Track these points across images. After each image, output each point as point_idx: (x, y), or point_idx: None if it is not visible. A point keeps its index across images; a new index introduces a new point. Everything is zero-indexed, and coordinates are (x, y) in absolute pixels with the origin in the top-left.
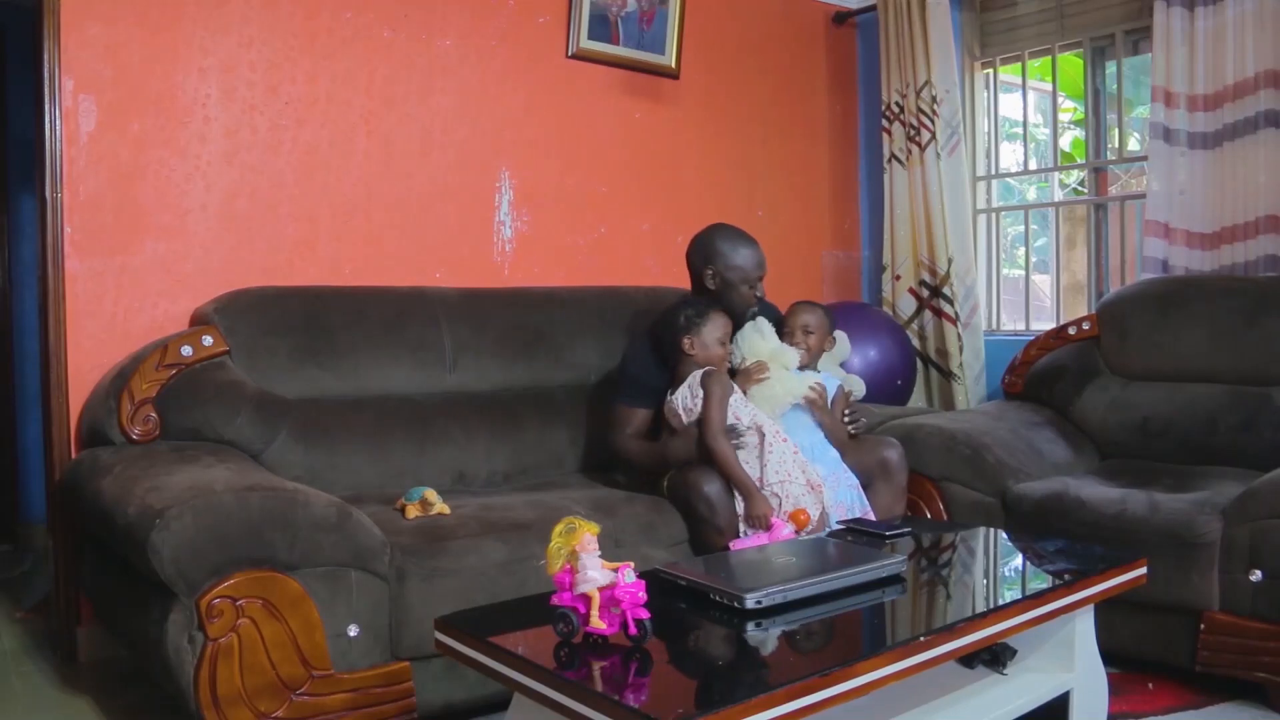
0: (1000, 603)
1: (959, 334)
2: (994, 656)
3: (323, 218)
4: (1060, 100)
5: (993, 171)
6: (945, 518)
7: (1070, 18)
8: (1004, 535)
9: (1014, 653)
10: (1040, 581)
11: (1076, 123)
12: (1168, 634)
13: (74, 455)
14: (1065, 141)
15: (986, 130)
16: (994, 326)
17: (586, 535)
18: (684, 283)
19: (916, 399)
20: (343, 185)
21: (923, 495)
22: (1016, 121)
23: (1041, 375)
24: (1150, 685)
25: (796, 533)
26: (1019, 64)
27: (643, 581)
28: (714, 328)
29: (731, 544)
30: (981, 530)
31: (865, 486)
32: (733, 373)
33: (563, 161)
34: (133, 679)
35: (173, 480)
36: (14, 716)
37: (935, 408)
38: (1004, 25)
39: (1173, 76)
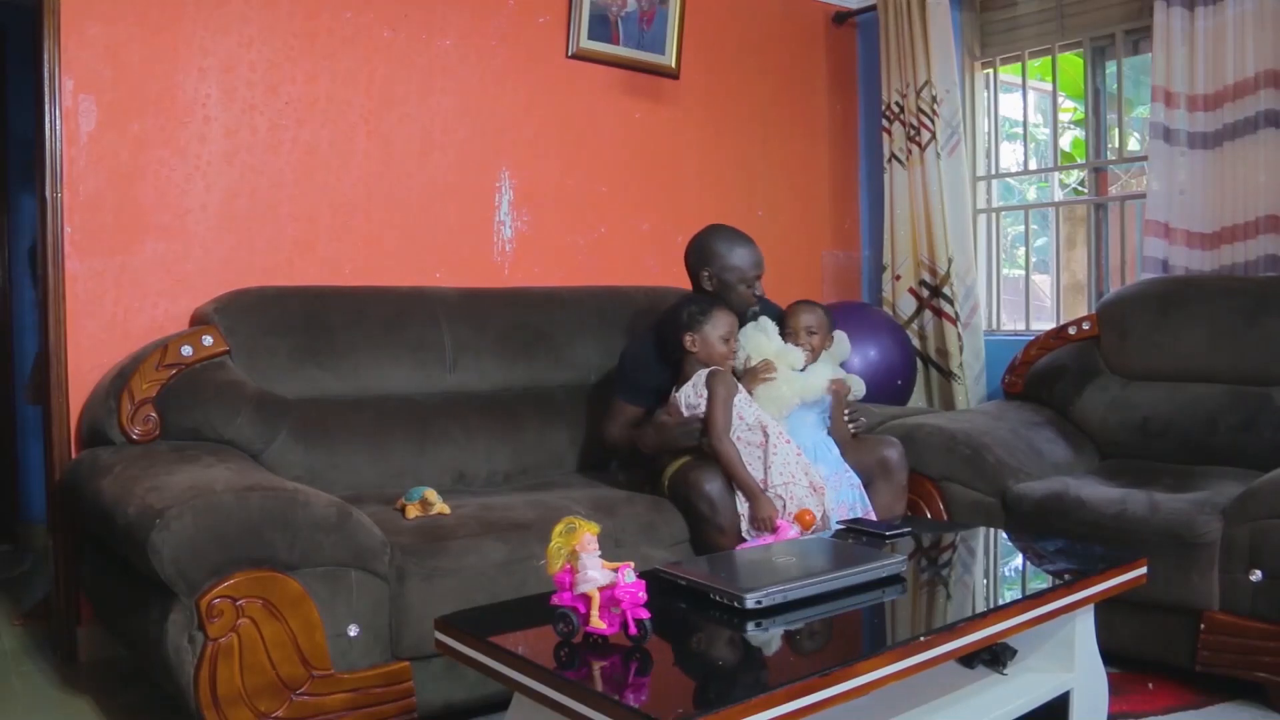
0: (1000, 603)
1: (959, 334)
2: (994, 656)
3: (323, 218)
4: (1060, 100)
5: (993, 171)
6: (945, 518)
7: (1070, 17)
8: (1004, 535)
9: (1014, 653)
10: (1040, 581)
11: (1076, 123)
12: (1168, 634)
13: (74, 455)
14: (1065, 141)
15: (986, 130)
16: (994, 326)
17: (586, 535)
18: (684, 282)
19: (916, 399)
20: (342, 185)
21: (923, 495)
22: (1016, 121)
23: (1041, 375)
24: (1150, 685)
25: (802, 534)
26: (1019, 64)
27: (643, 581)
28: (717, 325)
29: (738, 548)
30: (981, 530)
31: (865, 486)
32: (737, 373)
33: (563, 161)
34: (133, 679)
35: (173, 480)
36: (14, 716)
37: (935, 408)
38: (1004, 25)
39: (1173, 76)
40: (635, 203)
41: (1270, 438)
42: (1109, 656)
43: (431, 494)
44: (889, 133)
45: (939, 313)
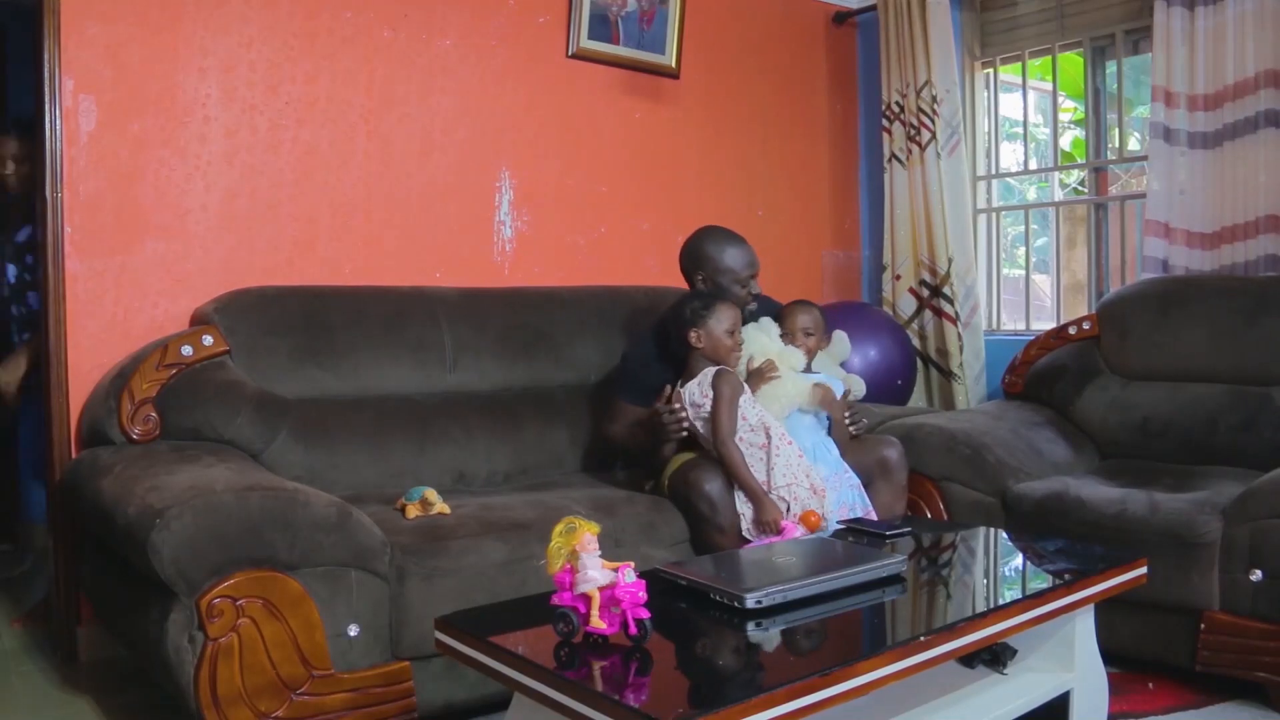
0: (1000, 602)
1: (959, 334)
2: (994, 656)
3: (323, 218)
4: (1060, 100)
5: (993, 171)
6: (945, 517)
7: (1070, 17)
8: (1004, 535)
9: (1014, 652)
10: (1040, 581)
11: (1077, 122)
12: (1168, 634)
13: (74, 455)
14: (1065, 141)
15: (986, 130)
16: (994, 326)
17: (587, 535)
18: (683, 282)
19: (916, 399)
20: (342, 185)
21: (923, 495)
22: (1017, 121)
23: (1042, 375)
24: (1150, 685)
25: (808, 535)
26: (1019, 64)
27: (643, 581)
28: (721, 319)
29: (742, 549)
30: (981, 530)
31: (865, 486)
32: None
33: (563, 161)
34: (133, 679)
35: (173, 480)
36: (14, 716)
37: (935, 407)
38: (1004, 25)
39: (1173, 76)
40: (635, 203)
41: (1270, 438)
42: (1109, 656)
43: (431, 494)
44: (889, 132)
45: (939, 312)
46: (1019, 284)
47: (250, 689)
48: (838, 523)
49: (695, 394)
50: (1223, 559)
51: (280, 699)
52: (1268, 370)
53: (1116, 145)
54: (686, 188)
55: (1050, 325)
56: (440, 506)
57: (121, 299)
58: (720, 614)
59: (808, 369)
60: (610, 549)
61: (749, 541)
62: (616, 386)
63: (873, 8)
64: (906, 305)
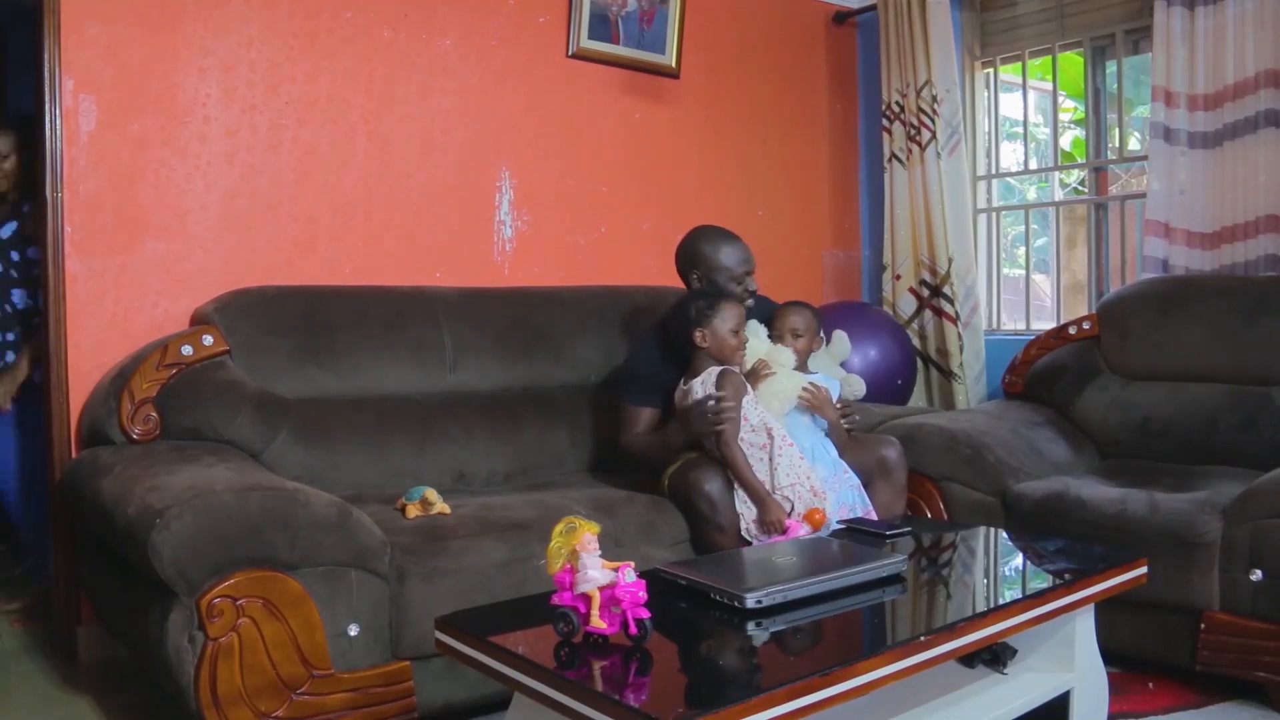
0: (1000, 602)
1: (959, 333)
2: (994, 656)
3: (323, 218)
4: (1060, 100)
5: (993, 171)
6: (945, 517)
7: (1070, 17)
8: (1004, 535)
9: (1014, 652)
10: (1040, 581)
11: (1077, 122)
12: (1168, 634)
13: (74, 455)
14: (1065, 141)
15: (987, 130)
16: (994, 326)
17: (587, 535)
18: (682, 282)
19: (917, 399)
20: (343, 185)
21: (923, 495)
22: (1017, 121)
23: (1042, 375)
24: (1150, 685)
25: (813, 533)
26: (1019, 63)
27: (643, 581)
28: (725, 318)
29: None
30: (982, 530)
31: (865, 485)
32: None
33: (563, 161)
34: (133, 679)
35: (173, 480)
36: (14, 716)
37: (935, 407)
38: (1004, 25)
39: (1173, 76)
40: (635, 202)
41: (1270, 438)
42: (1109, 656)
43: (431, 494)
44: (889, 132)
45: (939, 312)
46: (1019, 284)
47: (250, 689)
48: (838, 523)
49: (698, 393)
50: (1223, 559)
51: (280, 699)
52: (1268, 370)
53: (1116, 145)
54: (686, 188)
55: (1050, 325)
56: (440, 506)
57: (121, 299)
58: (720, 614)
59: (803, 369)
60: (610, 549)
61: (749, 542)
62: (623, 392)
63: (873, 7)
64: (906, 305)
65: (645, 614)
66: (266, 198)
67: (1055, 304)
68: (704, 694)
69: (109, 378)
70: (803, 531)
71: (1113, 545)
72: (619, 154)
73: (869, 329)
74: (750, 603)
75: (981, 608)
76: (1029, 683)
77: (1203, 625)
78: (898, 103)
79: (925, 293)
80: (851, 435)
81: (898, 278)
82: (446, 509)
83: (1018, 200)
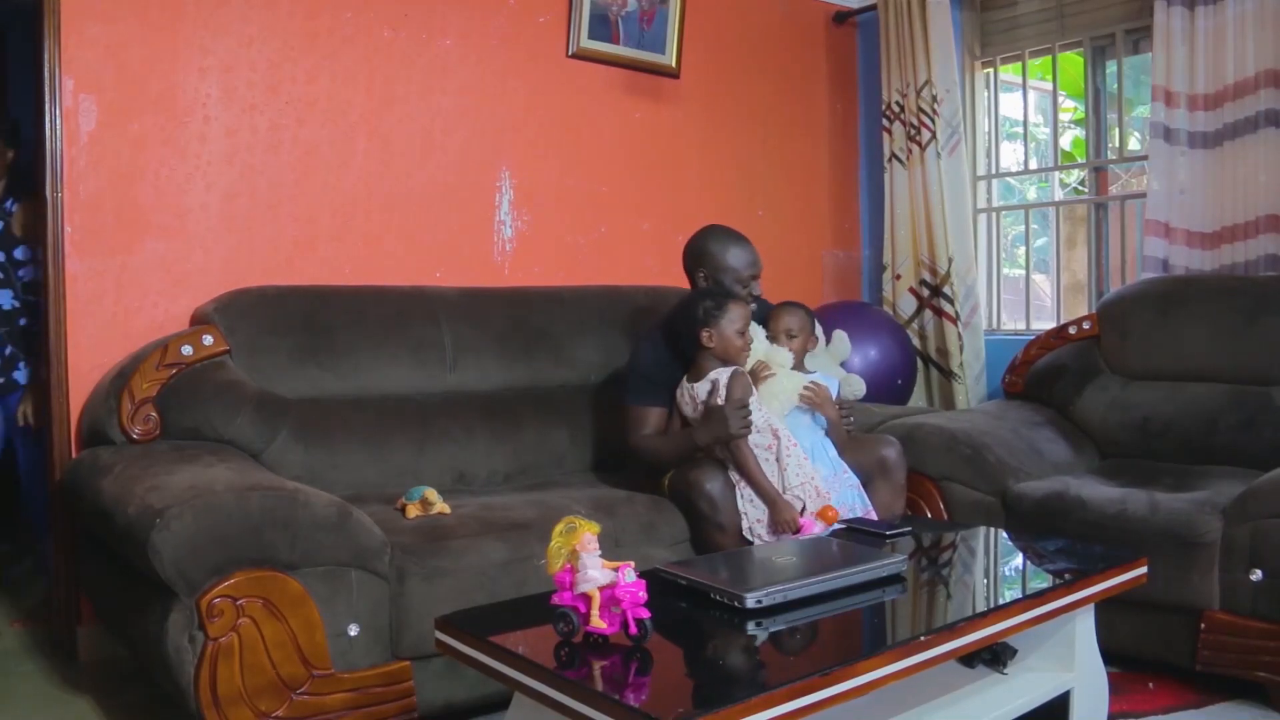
0: (1000, 602)
1: (959, 333)
2: (994, 656)
3: (323, 218)
4: (1060, 99)
5: (993, 171)
6: (945, 517)
7: (1070, 17)
8: (1004, 535)
9: (1014, 652)
10: (1040, 581)
11: (1077, 122)
12: (1168, 633)
13: (74, 455)
14: (1065, 141)
15: (987, 130)
16: (994, 326)
17: (587, 535)
18: (684, 281)
19: (917, 398)
20: (343, 185)
21: (923, 495)
22: (1017, 121)
23: (1042, 375)
24: (1150, 685)
25: (827, 528)
26: (1019, 63)
27: (643, 581)
28: (732, 319)
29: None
30: (982, 530)
31: (864, 485)
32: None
33: (563, 161)
34: (133, 679)
35: (173, 480)
36: (14, 716)
37: (935, 407)
38: (1004, 25)
39: (1173, 76)
40: (635, 202)
41: (1270, 438)
42: (1109, 656)
43: (432, 494)
44: (889, 132)
45: (939, 312)
46: (1019, 284)
47: (250, 689)
48: (838, 522)
49: (702, 393)
50: (1223, 559)
51: (280, 699)
52: (1268, 370)
53: (1116, 145)
54: (686, 188)
55: (1050, 325)
56: (440, 506)
57: (121, 299)
58: (720, 614)
59: (800, 368)
60: (610, 549)
61: (750, 541)
62: (628, 392)
63: (873, 7)
64: (907, 305)
65: (645, 614)
66: (266, 198)
67: (1055, 304)
68: (704, 694)
69: (109, 378)
70: (817, 529)
71: (1113, 545)
72: (619, 154)
73: (869, 329)
74: (750, 603)
75: (981, 608)
76: (1029, 683)
77: (1203, 625)
78: (898, 103)
79: (925, 293)
80: (850, 435)
81: (898, 278)
82: (446, 509)
83: (1018, 200)
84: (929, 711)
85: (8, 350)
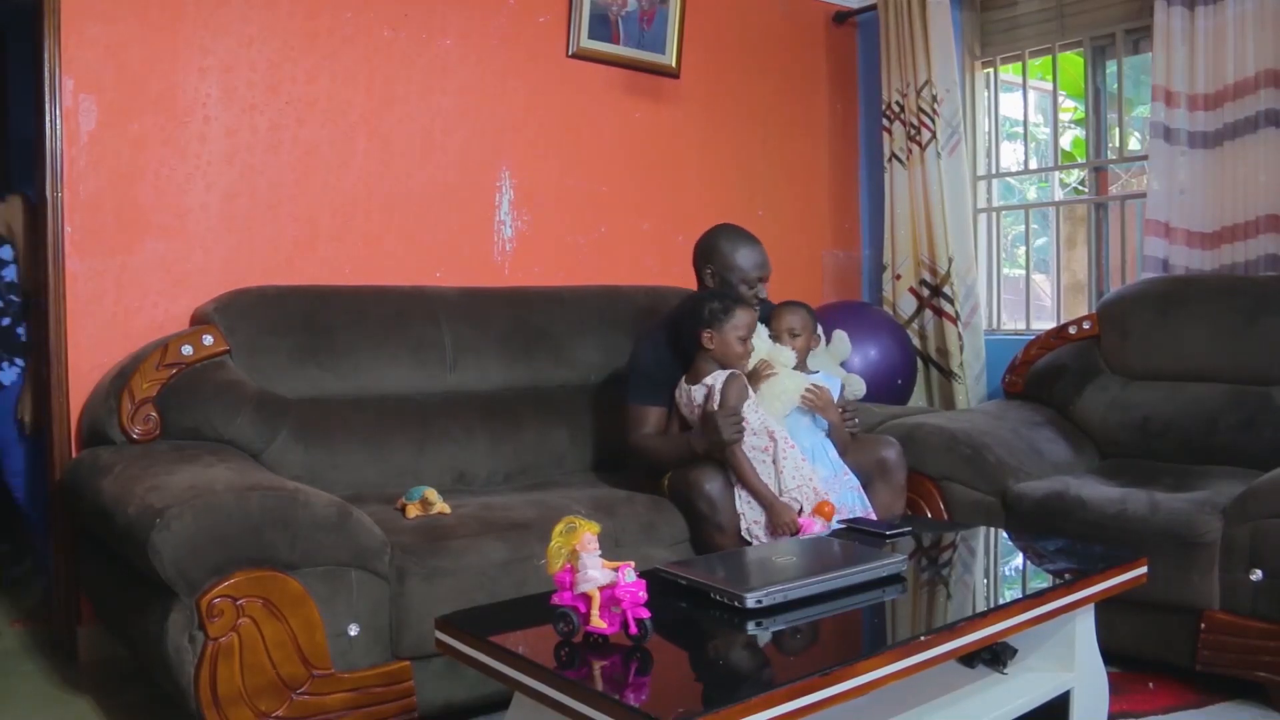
0: (1001, 602)
1: (959, 333)
2: (994, 656)
3: (323, 218)
4: (1061, 99)
5: (993, 171)
6: (945, 517)
7: (1070, 17)
8: (1004, 535)
9: (1014, 652)
10: (1040, 581)
11: (1077, 122)
12: (1168, 633)
13: (74, 454)
14: (1066, 141)
15: (987, 129)
16: (994, 326)
17: (587, 534)
18: (685, 281)
19: (917, 398)
20: (343, 185)
21: (923, 495)
22: (1017, 121)
23: (1042, 375)
24: (1150, 685)
25: (826, 526)
26: (1019, 63)
27: (643, 581)
28: (735, 325)
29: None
30: (982, 530)
31: (864, 486)
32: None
33: (563, 161)
34: (133, 679)
35: (173, 480)
36: (14, 716)
37: (935, 407)
38: (1004, 24)
39: (1173, 76)
40: (635, 202)
41: (1270, 438)
42: (1109, 656)
43: (432, 493)
44: (889, 132)
45: (939, 312)
46: (1019, 284)
47: (250, 689)
48: (838, 523)
49: (699, 396)
50: (1223, 559)
51: (280, 699)
52: (1268, 370)
53: (1117, 145)
54: (686, 188)
55: (1050, 325)
56: (440, 506)
57: (121, 299)
58: (720, 614)
59: (802, 367)
60: (610, 549)
61: (749, 542)
62: (630, 390)
63: (873, 7)
64: (907, 305)
65: (645, 614)
66: (266, 198)
67: (1055, 304)
68: (704, 694)
69: (109, 377)
70: (817, 528)
71: (1113, 545)
72: (619, 154)
73: (869, 329)
74: (750, 602)
75: (981, 607)
76: (1029, 683)
77: (1203, 625)
78: (898, 102)
79: (925, 292)
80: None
81: (898, 277)
82: (447, 509)
83: (1018, 200)
84: (929, 711)
85: None
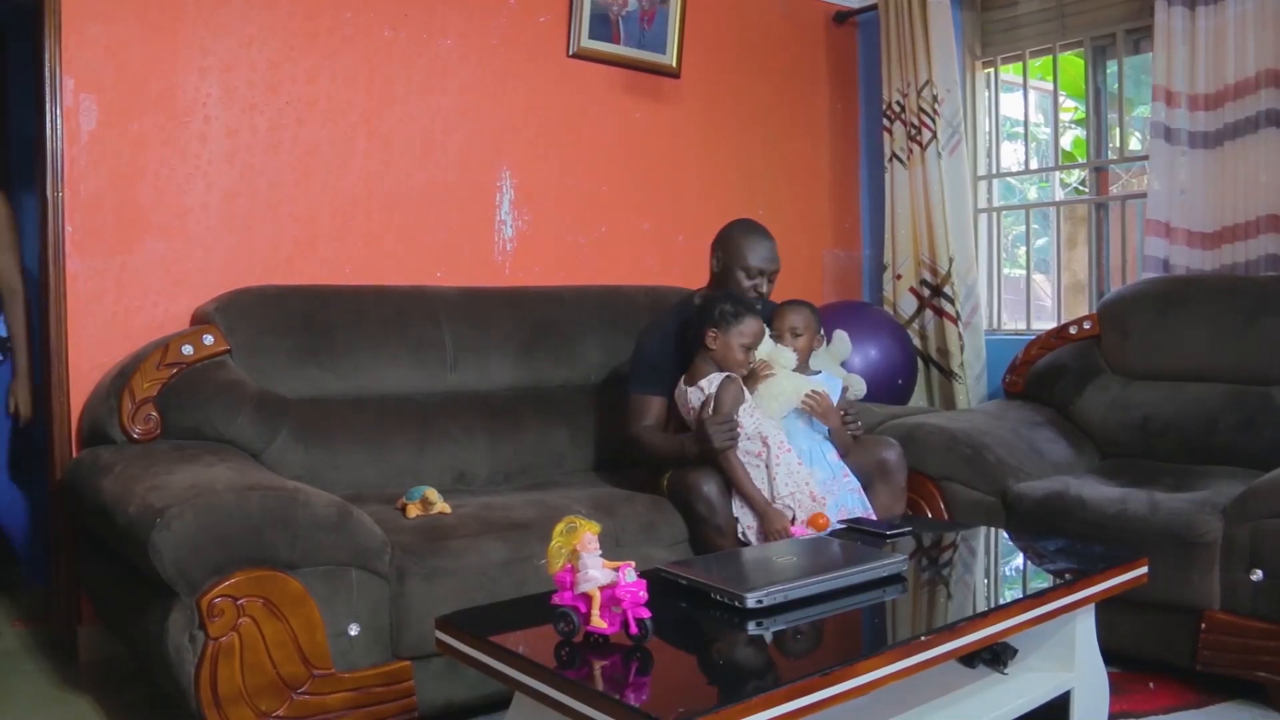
0: (1001, 602)
1: (960, 333)
2: (995, 656)
3: (323, 218)
4: (1061, 99)
5: (994, 171)
6: (946, 517)
7: (1071, 17)
8: (1004, 535)
9: (1015, 652)
10: (1041, 581)
11: (1077, 122)
12: (1168, 633)
13: (75, 454)
14: (1066, 141)
15: (987, 129)
16: (995, 326)
17: (587, 534)
18: (685, 281)
19: (917, 398)
20: (343, 185)
21: (923, 495)
22: (1017, 121)
23: (1042, 375)
24: (1151, 685)
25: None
26: (1020, 63)
27: (643, 581)
28: (742, 332)
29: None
30: (982, 530)
31: (864, 487)
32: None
33: (563, 161)
34: (133, 679)
35: (173, 479)
36: (14, 716)
37: (936, 407)
38: (1005, 24)
39: (1173, 76)
40: (636, 202)
41: (1270, 438)
42: (1109, 656)
43: (432, 493)
44: (890, 132)
45: (940, 312)
46: (1019, 284)
47: (251, 688)
48: (838, 522)
49: (695, 400)
50: (1223, 559)
51: (281, 698)
52: (1268, 370)
53: (1117, 145)
54: (687, 188)
55: (1051, 325)
56: (441, 506)
57: (121, 299)
58: (721, 614)
59: (804, 367)
60: (611, 548)
61: (747, 543)
62: (633, 381)
63: (873, 7)
64: (907, 305)
65: (646, 614)
66: (267, 197)
67: (1055, 304)
68: (704, 694)
69: (109, 377)
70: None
71: (1113, 545)
72: (619, 154)
73: (869, 329)
74: (750, 602)
75: (982, 608)
76: (1029, 683)
77: (1203, 625)
78: (898, 102)
79: (926, 292)
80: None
81: (898, 277)
82: (447, 509)
83: (1018, 200)
84: (929, 711)
85: None
